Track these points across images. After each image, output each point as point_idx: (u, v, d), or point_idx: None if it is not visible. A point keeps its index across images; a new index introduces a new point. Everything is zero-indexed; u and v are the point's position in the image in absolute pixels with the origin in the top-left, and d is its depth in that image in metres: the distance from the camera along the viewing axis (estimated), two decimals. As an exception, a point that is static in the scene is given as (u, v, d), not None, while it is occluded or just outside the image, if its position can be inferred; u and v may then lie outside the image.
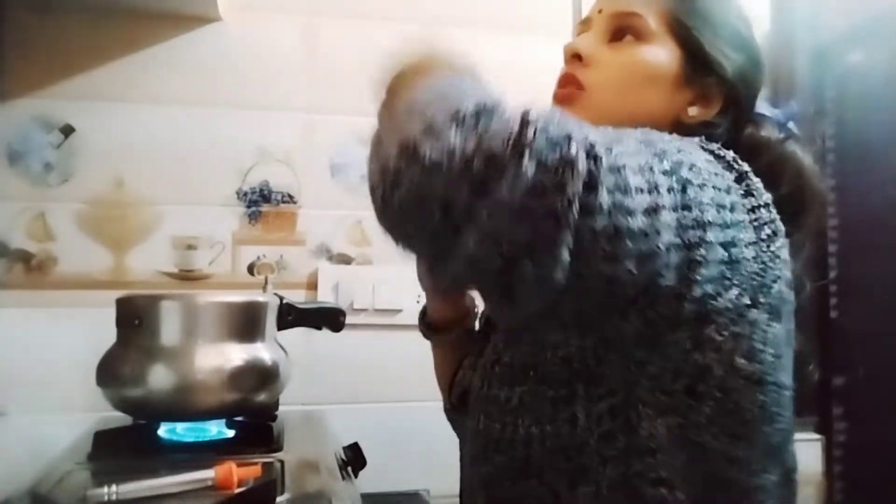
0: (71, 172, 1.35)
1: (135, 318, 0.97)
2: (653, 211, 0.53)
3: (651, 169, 0.55)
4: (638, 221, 0.52)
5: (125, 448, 0.95)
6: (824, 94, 1.35)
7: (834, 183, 1.32)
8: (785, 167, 0.77)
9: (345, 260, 1.45)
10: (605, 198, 0.50)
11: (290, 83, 1.44)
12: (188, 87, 1.40)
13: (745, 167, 0.65)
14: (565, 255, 0.50)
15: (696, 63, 0.75)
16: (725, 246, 0.58)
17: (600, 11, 0.78)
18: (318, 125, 1.45)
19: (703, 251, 0.56)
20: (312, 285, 1.43)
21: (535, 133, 0.49)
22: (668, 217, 0.54)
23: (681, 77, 0.75)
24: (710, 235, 0.57)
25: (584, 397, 0.65)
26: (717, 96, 0.77)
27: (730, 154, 0.66)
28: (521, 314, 0.56)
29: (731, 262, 0.59)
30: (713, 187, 0.59)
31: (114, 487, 0.73)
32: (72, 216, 1.34)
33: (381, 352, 1.42)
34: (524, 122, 0.50)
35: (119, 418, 1.01)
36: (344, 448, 1.04)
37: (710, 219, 0.57)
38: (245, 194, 1.41)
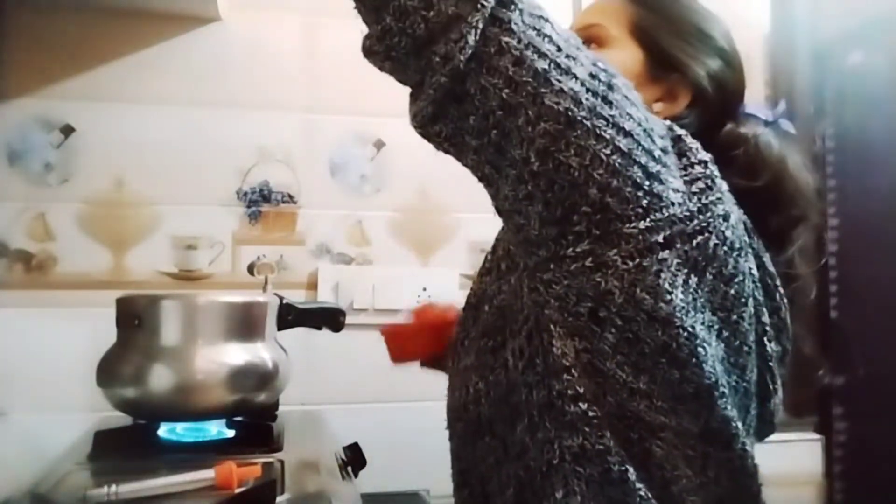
0: (71, 172, 1.35)
1: (135, 318, 0.97)
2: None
3: (579, 48, 0.61)
4: (546, 63, 0.57)
5: (125, 448, 0.95)
6: (824, 94, 1.34)
7: (834, 183, 1.32)
8: (763, 159, 0.79)
9: (345, 260, 1.45)
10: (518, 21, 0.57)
11: (290, 83, 1.44)
12: (188, 87, 1.40)
13: (682, 132, 0.67)
14: (471, 40, 0.55)
15: (659, 62, 0.80)
16: (648, 175, 0.59)
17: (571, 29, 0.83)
18: (318, 125, 1.45)
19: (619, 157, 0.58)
20: (312, 285, 1.43)
21: None
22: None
23: (644, 76, 0.79)
24: (637, 150, 0.59)
25: (510, 336, 0.69)
26: (684, 93, 0.80)
27: (670, 123, 0.68)
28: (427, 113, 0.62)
29: (651, 194, 0.60)
30: (645, 117, 0.62)
31: (114, 487, 0.73)
32: (72, 216, 1.35)
33: (381, 352, 1.42)
34: None
35: (119, 418, 1.01)
36: (344, 448, 1.04)
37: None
38: (245, 194, 1.41)
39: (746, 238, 0.70)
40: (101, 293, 1.28)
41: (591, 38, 0.80)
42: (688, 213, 0.62)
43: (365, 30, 0.61)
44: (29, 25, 1.33)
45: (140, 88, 1.38)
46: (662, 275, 0.60)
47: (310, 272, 1.43)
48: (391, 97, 1.56)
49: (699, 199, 0.63)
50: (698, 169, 0.65)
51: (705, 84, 0.80)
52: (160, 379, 0.94)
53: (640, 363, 0.63)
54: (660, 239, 0.60)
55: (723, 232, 0.64)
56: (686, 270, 0.61)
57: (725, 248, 0.64)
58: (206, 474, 0.77)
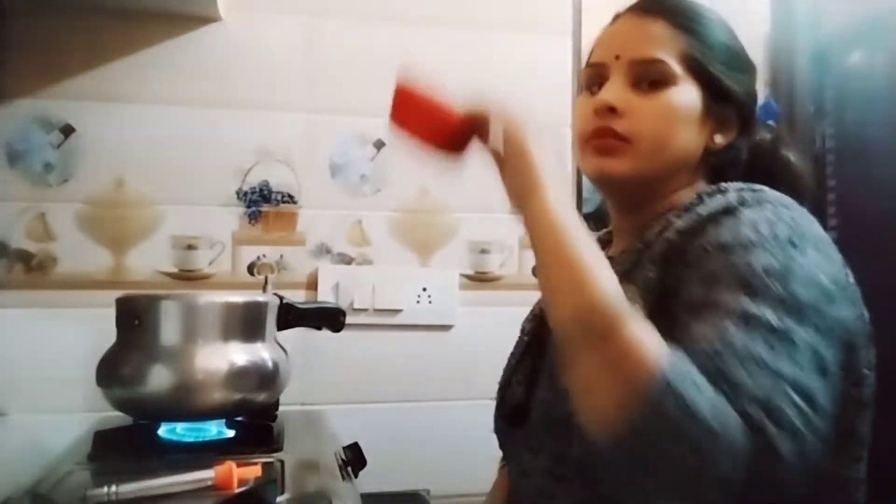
0: (71, 172, 1.35)
1: (135, 318, 0.97)
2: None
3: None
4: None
5: (125, 448, 0.95)
6: (824, 94, 1.34)
7: (834, 183, 1.32)
8: (778, 166, 0.84)
9: (345, 260, 1.45)
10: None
11: (290, 83, 1.44)
12: (188, 87, 1.39)
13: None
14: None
15: (715, 95, 0.80)
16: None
17: (617, 58, 0.80)
18: (318, 125, 1.45)
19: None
20: (312, 285, 1.43)
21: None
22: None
23: (706, 110, 0.80)
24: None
25: None
26: (735, 120, 0.82)
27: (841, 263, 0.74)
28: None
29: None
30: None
31: (114, 487, 0.73)
32: (72, 216, 1.34)
33: (381, 352, 1.42)
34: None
35: (119, 418, 1.01)
36: (344, 448, 1.04)
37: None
38: (245, 194, 1.41)
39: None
40: (101, 293, 1.28)
41: (656, 76, 0.78)
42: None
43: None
44: (29, 25, 1.33)
45: (140, 88, 1.38)
46: None
47: (310, 272, 1.43)
48: (391, 97, 1.57)
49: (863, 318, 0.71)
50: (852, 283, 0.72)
51: (750, 108, 0.83)
52: (160, 379, 0.94)
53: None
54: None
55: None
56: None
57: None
58: (206, 474, 0.77)
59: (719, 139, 0.81)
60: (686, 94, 0.78)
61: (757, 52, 1.39)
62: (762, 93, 1.36)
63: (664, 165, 0.79)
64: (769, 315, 0.59)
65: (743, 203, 0.69)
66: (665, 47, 0.78)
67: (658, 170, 0.79)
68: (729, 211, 0.69)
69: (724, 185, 0.76)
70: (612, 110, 0.78)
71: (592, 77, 0.82)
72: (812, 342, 0.59)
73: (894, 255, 1.18)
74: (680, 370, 0.55)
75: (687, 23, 0.80)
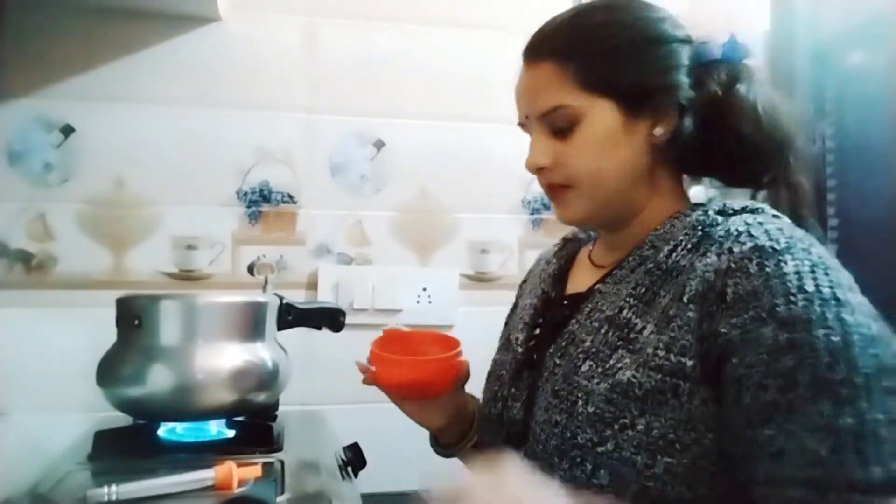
0: (71, 172, 1.35)
1: (135, 318, 0.97)
2: None
3: None
4: None
5: (125, 448, 0.95)
6: (824, 94, 1.34)
7: (834, 183, 1.32)
8: (740, 114, 0.79)
9: (345, 260, 1.45)
10: None
11: (290, 83, 1.44)
12: (188, 87, 1.40)
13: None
14: None
15: (631, 99, 0.77)
16: None
17: (527, 117, 0.82)
18: (318, 125, 1.45)
19: None
20: (312, 285, 1.43)
21: None
22: None
23: (625, 120, 0.77)
24: None
25: None
26: (669, 104, 0.78)
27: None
28: None
29: None
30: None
31: (114, 487, 0.73)
32: (72, 216, 1.35)
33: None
34: None
35: (119, 418, 1.01)
36: (344, 448, 1.04)
37: None
38: (245, 194, 1.41)
39: None
40: (101, 293, 1.29)
41: (563, 122, 0.77)
42: None
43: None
44: (29, 25, 1.33)
45: (140, 88, 1.38)
46: None
47: (310, 272, 1.43)
48: (391, 97, 1.57)
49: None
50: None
51: (686, 87, 0.78)
52: (160, 379, 0.94)
53: None
54: None
55: None
56: None
57: None
58: (206, 474, 0.77)
59: (659, 131, 0.78)
60: (600, 120, 0.77)
61: (757, 52, 1.39)
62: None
63: (614, 189, 0.79)
64: (849, 416, 0.61)
65: (775, 242, 0.69)
66: (558, 89, 0.77)
67: (610, 196, 0.79)
68: (763, 252, 0.68)
69: (727, 203, 0.77)
70: (542, 168, 0.80)
71: (525, 132, 0.85)
72: (889, 412, 0.61)
73: (894, 255, 1.18)
74: None
75: (572, 49, 0.77)
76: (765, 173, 0.81)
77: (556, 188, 0.81)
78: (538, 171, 0.81)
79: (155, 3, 1.35)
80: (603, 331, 0.76)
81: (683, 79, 0.78)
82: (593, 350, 0.75)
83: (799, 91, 1.36)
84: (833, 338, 0.63)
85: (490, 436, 0.87)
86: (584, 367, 0.75)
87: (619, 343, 0.74)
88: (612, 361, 0.73)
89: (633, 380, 0.70)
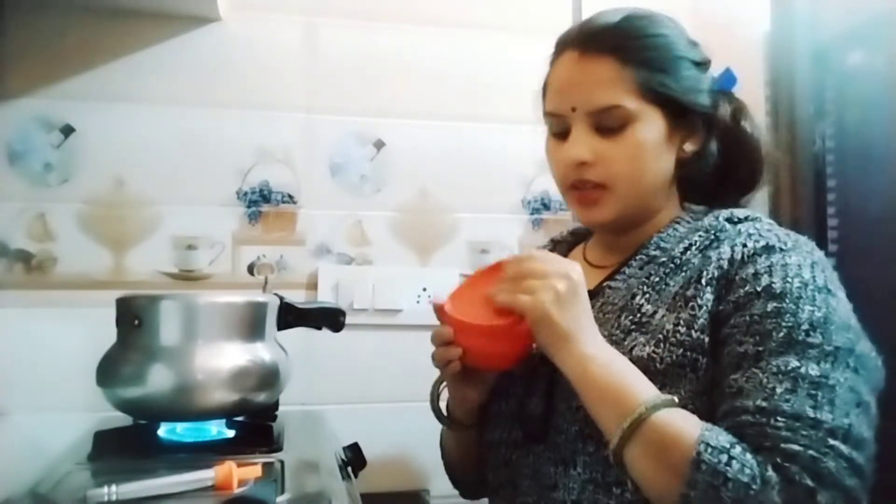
0: (71, 172, 1.35)
1: (135, 318, 0.97)
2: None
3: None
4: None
5: (125, 448, 0.95)
6: (824, 94, 1.34)
7: (834, 183, 1.32)
8: (740, 145, 0.87)
9: (345, 260, 1.45)
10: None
11: (290, 83, 1.44)
12: (188, 87, 1.39)
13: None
14: None
15: (676, 112, 0.82)
16: None
17: (574, 109, 0.81)
18: (318, 125, 1.45)
19: None
20: (312, 285, 1.43)
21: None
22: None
23: (671, 129, 0.82)
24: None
25: None
26: (699, 123, 0.84)
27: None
28: None
29: None
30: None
31: (114, 487, 0.73)
32: (72, 216, 1.34)
33: (381, 352, 1.42)
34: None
35: (119, 418, 1.01)
36: (344, 448, 1.04)
37: None
38: (245, 194, 1.41)
39: None
40: (101, 293, 1.28)
41: (614, 122, 0.79)
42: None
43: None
44: (29, 25, 1.33)
45: (140, 88, 1.38)
46: None
47: (310, 272, 1.43)
48: (391, 97, 1.57)
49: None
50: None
51: (710, 109, 0.84)
52: (160, 379, 0.94)
53: None
54: None
55: None
56: None
57: None
58: (206, 474, 0.77)
59: (689, 147, 0.84)
60: (650, 126, 0.80)
61: (757, 52, 1.39)
62: (762, 93, 1.36)
63: (645, 196, 0.83)
64: (812, 369, 0.67)
65: (783, 243, 0.75)
66: (617, 89, 0.79)
67: (640, 202, 0.83)
68: (773, 249, 0.75)
69: (733, 212, 0.83)
70: (583, 163, 0.81)
71: (556, 124, 0.84)
72: (849, 382, 0.67)
73: (894, 255, 1.18)
74: (715, 448, 0.64)
75: (634, 52, 0.80)
76: (747, 193, 0.90)
77: (591, 188, 0.82)
78: (577, 165, 0.81)
79: (155, 3, 1.35)
80: (616, 318, 0.79)
81: (707, 101, 0.84)
82: (608, 335, 0.78)
83: (799, 91, 1.35)
84: (816, 313, 0.69)
85: (499, 431, 0.87)
86: None
87: (633, 327, 0.77)
88: (626, 343, 0.77)
89: (654, 355, 0.74)
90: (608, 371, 0.71)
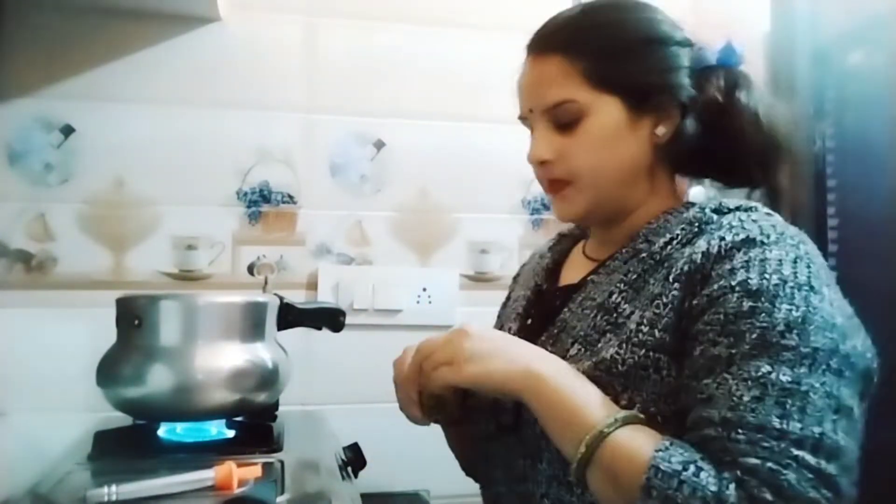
0: (71, 172, 1.35)
1: (135, 318, 0.97)
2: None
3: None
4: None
5: (125, 448, 0.95)
6: (824, 94, 1.34)
7: (834, 183, 1.32)
8: (741, 118, 0.81)
9: (345, 260, 1.45)
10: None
11: (290, 83, 1.44)
12: (188, 87, 1.40)
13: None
14: None
15: (636, 96, 0.79)
16: None
17: (531, 111, 0.82)
18: (318, 125, 1.45)
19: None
20: (312, 285, 1.43)
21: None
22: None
23: (630, 118, 0.79)
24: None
25: None
26: (671, 105, 0.80)
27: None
28: None
29: None
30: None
31: (114, 487, 0.73)
32: (72, 216, 1.35)
33: (381, 352, 1.41)
34: None
35: (119, 418, 1.01)
36: (344, 448, 1.04)
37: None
38: (245, 194, 1.41)
39: None
40: (101, 293, 1.28)
41: (568, 117, 0.78)
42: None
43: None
44: (29, 25, 1.33)
45: (140, 88, 1.38)
46: None
47: (310, 272, 1.43)
48: (391, 97, 1.57)
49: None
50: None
51: (688, 88, 0.80)
52: (160, 379, 0.94)
53: None
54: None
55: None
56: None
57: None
58: (206, 474, 0.76)
59: (661, 130, 0.80)
60: (605, 115, 0.78)
61: (757, 52, 1.39)
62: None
63: (613, 186, 0.81)
64: (784, 374, 0.63)
65: (766, 236, 0.71)
66: (566, 84, 0.78)
67: (610, 192, 0.81)
68: (753, 243, 0.71)
69: (723, 202, 0.78)
70: (544, 162, 0.81)
71: (526, 127, 0.85)
72: (826, 387, 0.63)
73: (894, 255, 1.18)
74: (665, 473, 0.61)
75: (583, 45, 0.79)
76: (760, 174, 0.84)
77: (556, 183, 0.82)
78: (540, 165, 0.82)
79: (155, 3, 1.35)
80: (592, 316, 0.78)
81: (685, 80, 0.80)
82: (582, 334, 0.77)
83: (799, 91, 1.36)
84: (794, 313, 0.66)
85: (479, 424, 0.88)
86: (573, 351, 0.77)
87: (608, 328, 0.76)
88: (599, 345, 0.75)
89: (616, 356, 0.72)
90: (560, 390, 0.70)
